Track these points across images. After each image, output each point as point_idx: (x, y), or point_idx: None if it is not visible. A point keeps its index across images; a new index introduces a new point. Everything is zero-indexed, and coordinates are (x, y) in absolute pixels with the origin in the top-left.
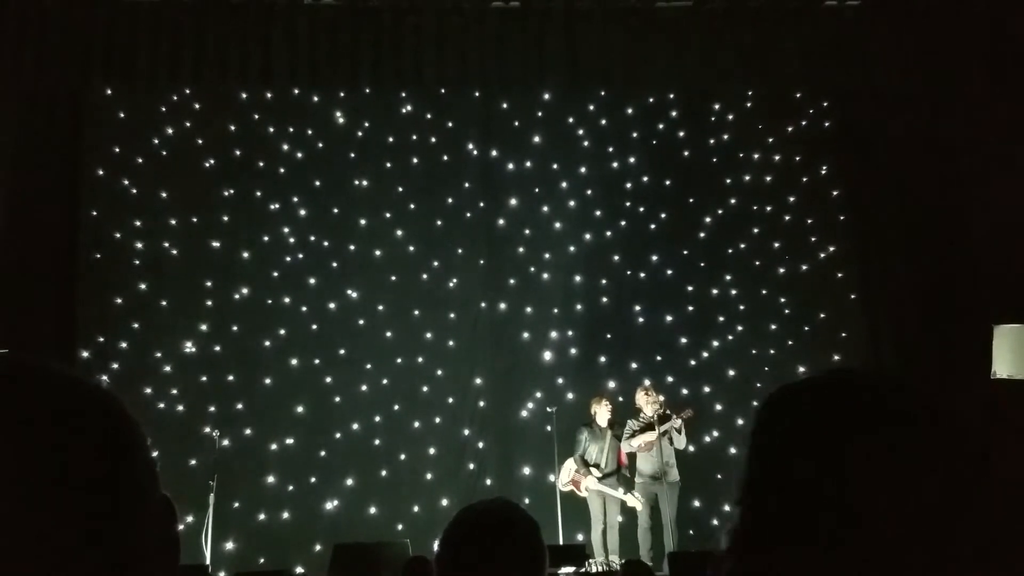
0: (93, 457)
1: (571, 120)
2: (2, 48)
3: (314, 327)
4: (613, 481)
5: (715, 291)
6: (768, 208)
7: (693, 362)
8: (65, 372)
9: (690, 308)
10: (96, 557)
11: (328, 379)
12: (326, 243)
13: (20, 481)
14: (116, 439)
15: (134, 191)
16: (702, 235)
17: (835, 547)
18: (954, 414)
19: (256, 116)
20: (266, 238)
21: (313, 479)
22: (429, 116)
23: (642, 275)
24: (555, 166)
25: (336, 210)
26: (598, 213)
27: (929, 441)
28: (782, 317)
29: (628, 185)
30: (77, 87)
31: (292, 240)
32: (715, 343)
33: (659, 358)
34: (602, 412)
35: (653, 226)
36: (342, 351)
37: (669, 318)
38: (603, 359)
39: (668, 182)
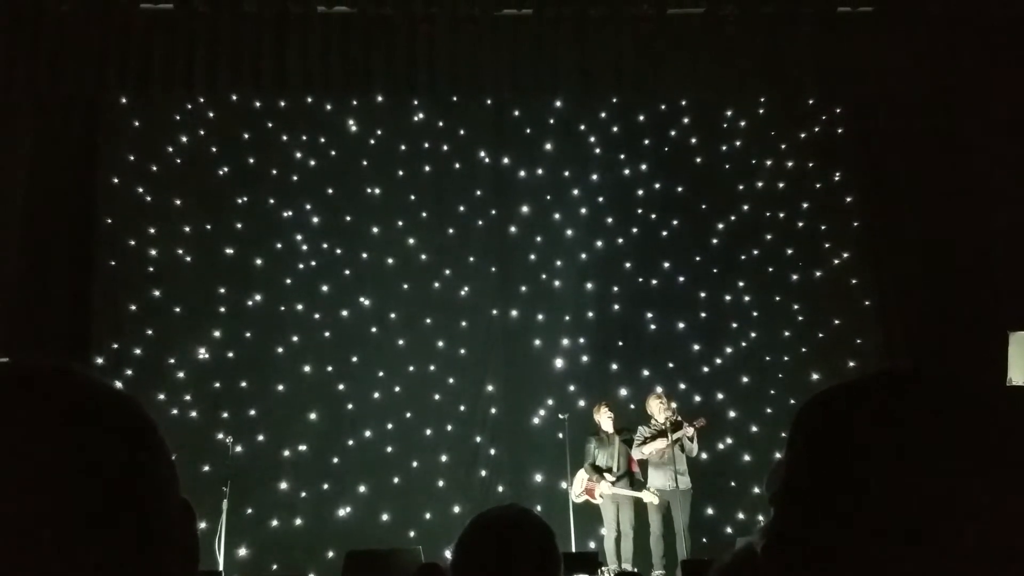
0: (116, 459)
1: (583, 127)
2: (18, 57)
3: (327, 334)
4: (626, 483)
5: (728, 298)
6: (781, 215)
7: (706, 369)
8: (88, 375)
9: (703, 315)
10: (119, 556)
11: (341, 386)
12: (339, 251)
13: (45, 481)
14: (138, 441)
15: (149, 199)
16: (715, 242)
17: (880, 551)
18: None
19: (269, 124)
20: (279, 245)
21: (326, 486)
22: (441, 124)
23: (654, 282)
24: (567, 173)
25: (349, 218)
26: (610, 220)
27: (987, 441)
28: (796, 324)
29: (640, 192)
30: (92, 96)
31: (305, 247)
32: (728, 350)
33: (671, 365)
34: (604, 419)
35: (665, 233)
36: (355, 358)
37: (681, 325)
38: (615, 366)
39: (680, 189)
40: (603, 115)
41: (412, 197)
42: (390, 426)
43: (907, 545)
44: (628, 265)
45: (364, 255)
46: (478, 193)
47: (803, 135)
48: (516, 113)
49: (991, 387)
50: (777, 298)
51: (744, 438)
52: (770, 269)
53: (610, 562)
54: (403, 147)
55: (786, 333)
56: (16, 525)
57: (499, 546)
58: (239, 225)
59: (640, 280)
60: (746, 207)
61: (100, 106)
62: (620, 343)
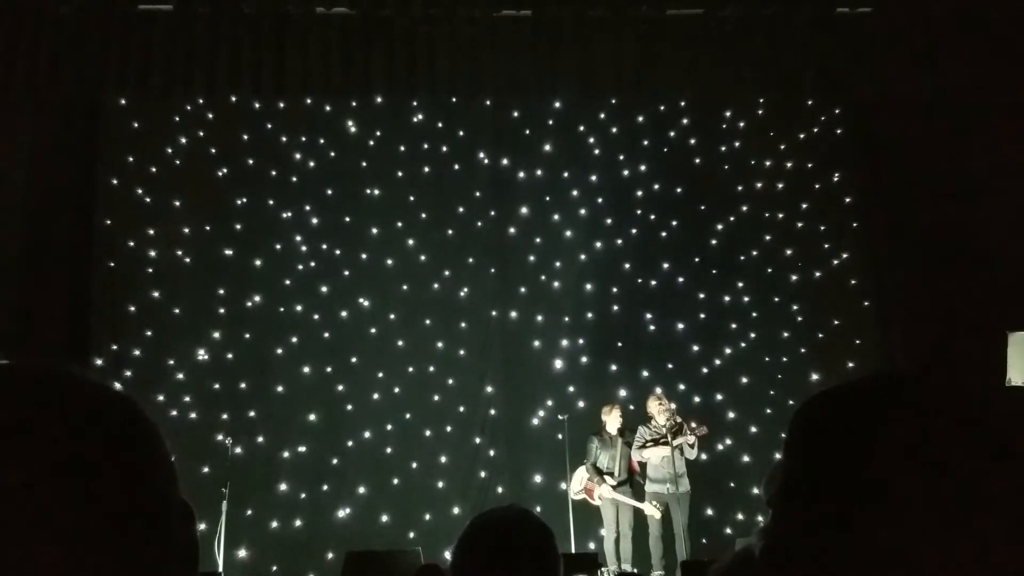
0: (115, 461)
1: (582, 128)
2: (18, 58)
3: (326, 335)
4: (627, 489)
5: (727, 298)
6: (780, 215)
7: (705, 370)
8: (87, 377)
9: (702, 316)
10: (118, 559)
11: (340, 387)
12: (338, 252)
13: (44, 484)
14: (137, 443)
15: (148, 200)
16: (714, 242)
17: (876, 550)
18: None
19: (269, 125)
20: (278, 246)
21: (325, 487)
22: (440, 125)
23: (653, 283)
24: (566, 174)
25: (348, 219)
26: (609, 221)
27: (986, 442)
28: (795, 324)
29: (639, 193)
30: (92, 97)
31: (304, 248)
32: (727, 351)
33: (670, 366)
34: (612, 420)
35: (664, 234)
36: (354, 359)
37: (680, 326)
38: (614, 367)
39: (679, 190)
40: (602, 116)
41: (411, 198)
42: (390, 427)
43: (906, 547)
44: (627, 266)
45: (363, 256)
46: (477, 194)
47: (802, 136)
48: (515, 114)
49: (990, 387)
50: (776, 299)
51: (743, 439)
52: (769, 270)
53: (610, 563)
54: (402, 148)
55: (785, 334)
56: (16, 528)
57: (499, 547)
58: (238, 226)
59: (639, 281)
60: (745, 208)
61: (99, 108)
62: (619, 344)
